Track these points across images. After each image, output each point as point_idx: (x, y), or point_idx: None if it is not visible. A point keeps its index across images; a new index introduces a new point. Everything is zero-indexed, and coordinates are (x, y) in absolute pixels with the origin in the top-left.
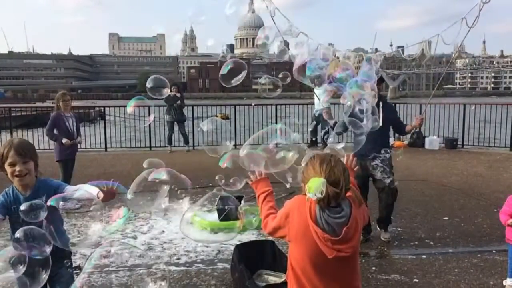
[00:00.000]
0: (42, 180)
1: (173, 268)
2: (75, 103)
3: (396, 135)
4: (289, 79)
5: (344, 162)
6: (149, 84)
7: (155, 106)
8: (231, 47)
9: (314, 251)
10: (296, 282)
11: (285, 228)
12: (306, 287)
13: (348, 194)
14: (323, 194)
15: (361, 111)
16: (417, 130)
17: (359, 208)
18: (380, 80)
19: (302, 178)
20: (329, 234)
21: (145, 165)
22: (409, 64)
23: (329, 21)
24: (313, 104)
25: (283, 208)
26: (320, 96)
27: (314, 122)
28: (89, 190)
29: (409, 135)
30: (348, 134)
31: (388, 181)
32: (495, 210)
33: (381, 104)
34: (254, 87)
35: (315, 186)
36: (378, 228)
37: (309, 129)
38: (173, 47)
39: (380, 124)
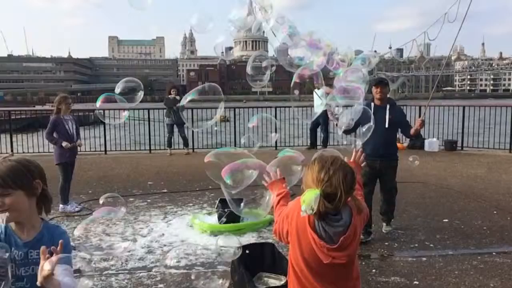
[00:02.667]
0: (52, 227)
1: (173, 271)
2: (74, 106)
3: (397, 136)
4: (274, 68)
5: (352, 158)
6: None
7: (130, 109)
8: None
9: (310, 254)
10: (297, 282)
11: (288, 226)
12: (306, 287)
13: (348, 199)
14: (314, 211)
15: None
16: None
17: (360, 215)
18: (384, 84)
19: (303, 179)
20: (325, 242)
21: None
22: (408, 66)
23: (328, 22)
24: (313, 106)
25: (286, 208)
26: (321, 98)
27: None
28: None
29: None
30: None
31: (390, 183)
32: (495, 212)
33: (388, 106)
34: (253, 89)
35: (308, 201)
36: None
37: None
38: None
39: (386, 125)
